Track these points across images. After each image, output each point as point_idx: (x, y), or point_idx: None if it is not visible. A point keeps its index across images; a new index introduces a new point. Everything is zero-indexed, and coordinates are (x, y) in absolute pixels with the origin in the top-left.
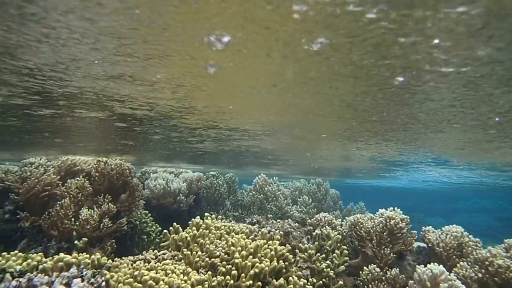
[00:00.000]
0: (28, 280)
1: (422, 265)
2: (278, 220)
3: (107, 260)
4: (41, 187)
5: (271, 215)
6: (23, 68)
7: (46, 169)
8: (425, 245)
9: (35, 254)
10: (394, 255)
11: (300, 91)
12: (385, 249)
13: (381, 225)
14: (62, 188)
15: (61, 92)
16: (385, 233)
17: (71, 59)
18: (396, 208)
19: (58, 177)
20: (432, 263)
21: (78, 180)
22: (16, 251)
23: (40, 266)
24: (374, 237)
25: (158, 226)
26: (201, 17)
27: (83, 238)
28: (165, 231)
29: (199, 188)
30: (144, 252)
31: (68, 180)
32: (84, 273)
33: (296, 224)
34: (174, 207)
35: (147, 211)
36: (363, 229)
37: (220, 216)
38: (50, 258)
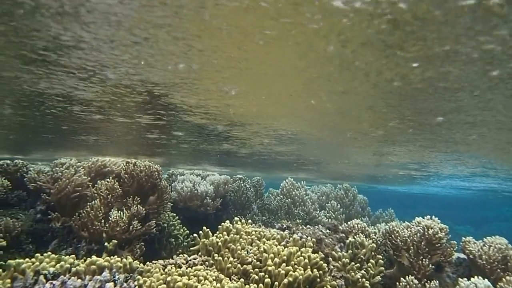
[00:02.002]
0: (61, 283)
1: (465, 279)
2: (308, 226)
3: (139, 264)
4: (72, 187)
5: (300, 221)
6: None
7: (76, 170)
8: (464, 256)
9: (67, 256)
10: (433, 267)
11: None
12: (423, 259)
13: (418, 234)
14: (92, 189)
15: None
16: (423, 243)
17: None
18: (433, 216)
19: (89, 178)
20: (475, 277)
21: (108, 181)
22: (49, 253)
23: (73, 269)
24: (411, 247)
25: (185, 229)
26: None
27: (113, 240)
28: (194, 235)
29: (226, 191)
30: (174, 256)
31: (98, 181)
32: (117, 277)
33: (327, 230)
34: (201, 210)
35: (174, 214)
36: (399, 238)
37: (249, 221)
38: (83, 260)
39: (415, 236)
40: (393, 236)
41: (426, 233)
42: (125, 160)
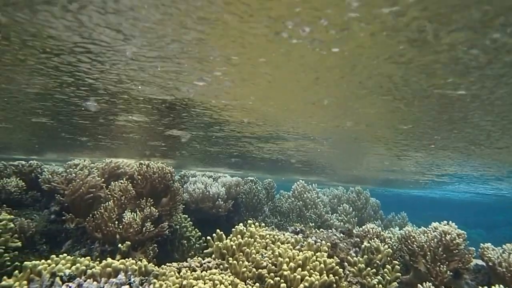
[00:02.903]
0: (77, 285)
1: (486, 287)
2: (321, 229)
3: (154, 267)
4: (86, 189)
5: (312, 224)
6: None
7: (90, 171)
8: (483, 263)
9: (83, 258)
10: (450, 273)
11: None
12: (441, 266)
13: (435, 239)
14: (106, 191)
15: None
16: (440, 249)
17: None
18: (450, 222)
19: (102, 179)
20: (496, 285)
21: (121, 183)
22: (65, 254)
23: (89, 271)
24: (428, 253)
25: (197, 231)
26: None
27: (126, 242)
28: (208, 237)
29: (237, 193)
30: (188, 259)
31: (112, 183)
32: (132, 280)
33: (341, 234)
34: (213, 212)
35: (186, 215)
36: (415, 243)
37: (263, 224)
38: (98, 262)
39: (432, 241)
40: (409, 241)
41: (443, 238)
42: (138, 161)
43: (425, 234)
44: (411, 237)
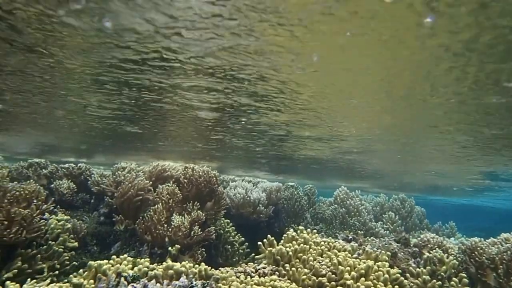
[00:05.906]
0: (143, 286)
1: None
2: (372, 238)
3: (214, 271)
4: (135, 191)
5: (362, 232)
6: None
7: (137, 174)
8: None
9: (142, 259)
10: None
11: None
12: None
13: (509, 252)
14: (153, 194)
15: None
16: None
17: None
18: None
19: (150, 182)
20: None
21: (169, 186)
22: (125, 255)
23: (151, 273)
24: (500, 266)
25: (240, 236)
26: None
27: (176, 245)
28: (259, 243)
29: (278, 199)
30: (242, 264)
31: (159, 186)
32: (194, 283)
33: (396, 244)
34: (253, 218)
35: (228, 220)
36: (484, 255)
37: (315, 230)
38: (156, 264)
39: (505, 254)
40: (476, 253)
41: None
42: (183, 164)
43: (496, 246)
44: (478, 248)
